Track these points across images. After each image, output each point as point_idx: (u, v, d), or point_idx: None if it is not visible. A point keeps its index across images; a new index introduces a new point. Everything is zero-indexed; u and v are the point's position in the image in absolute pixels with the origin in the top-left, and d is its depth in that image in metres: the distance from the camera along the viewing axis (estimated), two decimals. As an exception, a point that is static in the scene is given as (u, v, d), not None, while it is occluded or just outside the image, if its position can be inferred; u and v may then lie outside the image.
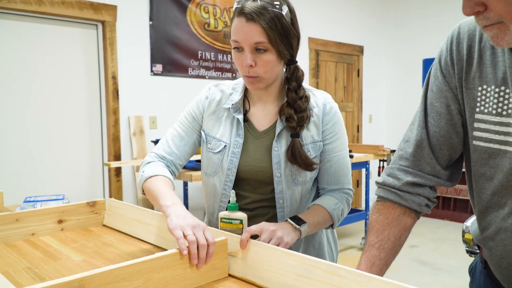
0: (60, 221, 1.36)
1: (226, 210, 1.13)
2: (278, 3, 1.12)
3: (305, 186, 1.25)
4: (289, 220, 1.13)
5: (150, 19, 3.59)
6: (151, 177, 1.17)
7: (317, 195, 1.34)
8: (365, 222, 4.11)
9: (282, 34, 1.12)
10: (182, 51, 3.81)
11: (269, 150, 1.22)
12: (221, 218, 1.11)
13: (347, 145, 1.31)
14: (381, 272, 0.89)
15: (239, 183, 1.25)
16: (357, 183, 5.59)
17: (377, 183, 0.99)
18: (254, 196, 1.25)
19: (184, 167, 2.90)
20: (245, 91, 1.29)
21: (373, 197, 5.69)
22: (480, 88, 0.86)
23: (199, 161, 2.77)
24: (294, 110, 1.20)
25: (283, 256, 0.86)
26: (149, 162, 1.25)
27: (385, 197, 0.96)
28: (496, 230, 0.86)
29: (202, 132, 1.29)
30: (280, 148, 1.21)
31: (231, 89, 1.30)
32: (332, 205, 1.23)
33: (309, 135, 1.23)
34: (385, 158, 4.63)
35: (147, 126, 3.61)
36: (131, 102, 3.50)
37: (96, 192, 3.42)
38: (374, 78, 5.91)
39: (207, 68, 4.00)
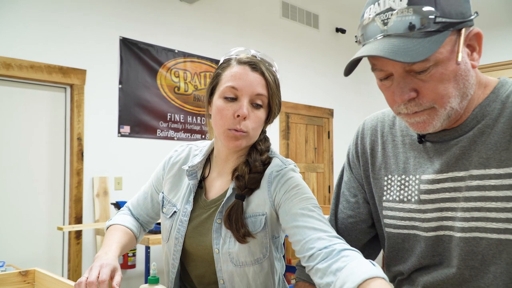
0: (-12, 292, 1.33)
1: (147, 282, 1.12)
2: (270, 61, 1.11)
3: (251, 268, 1.07)
4: None
5: (120, 83, 3.69)
6: (111, 225, 1.23)
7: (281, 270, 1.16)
8: None
9: (276, 92, 1.09)
10: (151, 113, 3.88)
11: (212, 222, 1.10)
12: (141, 291, 1.10)
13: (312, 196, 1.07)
14: None
15: (187, 257, 1.15)
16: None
17: (296, 264, 1.02)
18: (198, 276, 1.15)
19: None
20: (210, 154, 1.19)
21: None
22: (386, 178, 0.92)
23: (159, 223, 2.75)
24: (249, 169, 1.08)
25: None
26: (121, 211, 1.31)
27: (298, 277, 0.99)
28: None
29: (161, 194, 1.23)
30: (223, 219, 1.08)
31: (198, 151, 1.21)
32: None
33: (250, 207, 1.08)
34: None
35: (112, 187, 3.60)
36: (96, 163, 3.51)
37: (54, 256, 3.33)
38: (345, 140, 6.05)
39: (176, 130, 4.06)
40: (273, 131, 5.04)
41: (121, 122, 3.69)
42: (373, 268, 0.79)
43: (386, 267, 0.95)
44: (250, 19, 4.78)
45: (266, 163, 1.11)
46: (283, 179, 1.06)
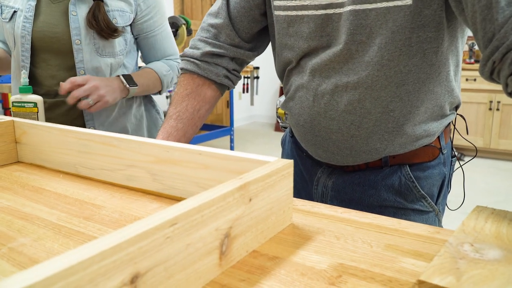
0: None
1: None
2: None
3: (115, 59, 1.19)
4: (120, 76, 1.14)
5: None
6: None
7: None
8: (230, 138, 4.24)
9: None
10: None
11: (65, 15, 1.14)
12: (12, 103, 1.01)
13: (167, 16, 1.31)
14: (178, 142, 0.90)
15: (37, 57, 1.16)
16: (227, 104, 5.68)
17: (180, 55, 0.99)
18: (50, 77, 1.17)
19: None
20: None
21: (237, 116, 5.86)
22: None
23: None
24: None
25: (60, 135, 0.81)
26: None
27: (185, 68, 0.96)
28: (295, 89, 0.90)
29: None
30: (79, 13, 1.14)
31: None
32: (164, 71, 1.26)
33: (116, 4, 1.17)
34: (249, 75, 4.75)
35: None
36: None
37: None
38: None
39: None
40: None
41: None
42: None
43: (276, 57, 0.95)
44: None
45: None
46: None
